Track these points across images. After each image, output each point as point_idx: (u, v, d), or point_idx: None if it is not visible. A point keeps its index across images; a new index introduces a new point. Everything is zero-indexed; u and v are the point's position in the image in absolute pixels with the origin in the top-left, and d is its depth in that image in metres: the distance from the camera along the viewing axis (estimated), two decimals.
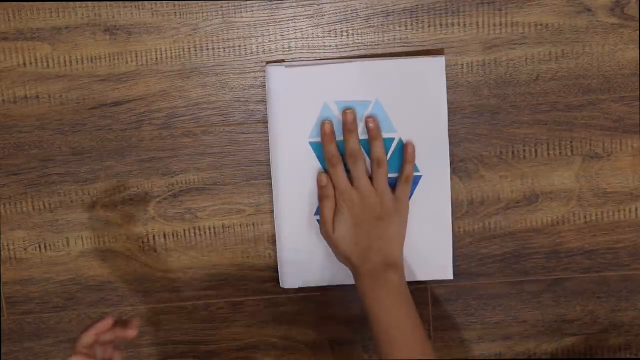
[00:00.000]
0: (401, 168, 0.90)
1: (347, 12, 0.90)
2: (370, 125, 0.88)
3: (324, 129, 0.89)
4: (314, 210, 0.92)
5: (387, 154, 0.90)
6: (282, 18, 0.90)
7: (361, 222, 0.87)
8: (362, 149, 0.90)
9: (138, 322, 0.80)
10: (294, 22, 0.90)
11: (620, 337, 0.97)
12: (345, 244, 0.88)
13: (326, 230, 0.89)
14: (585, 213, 0.94)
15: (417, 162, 0.91)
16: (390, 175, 0.90)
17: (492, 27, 0.90)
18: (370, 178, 0.88)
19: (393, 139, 0.90)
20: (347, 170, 0.89)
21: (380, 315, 0.84)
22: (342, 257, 0.89)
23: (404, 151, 0.90)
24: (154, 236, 0.95)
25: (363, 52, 0.91)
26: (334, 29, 0.90)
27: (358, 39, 0.90)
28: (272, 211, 0.93)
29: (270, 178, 0.92)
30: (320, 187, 0.89)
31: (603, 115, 0.91)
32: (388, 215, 0.88)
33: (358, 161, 0.88)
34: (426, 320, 0.96)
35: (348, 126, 0.88)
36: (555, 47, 0.90)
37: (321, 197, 0.89)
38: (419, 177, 0.91)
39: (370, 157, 0.89)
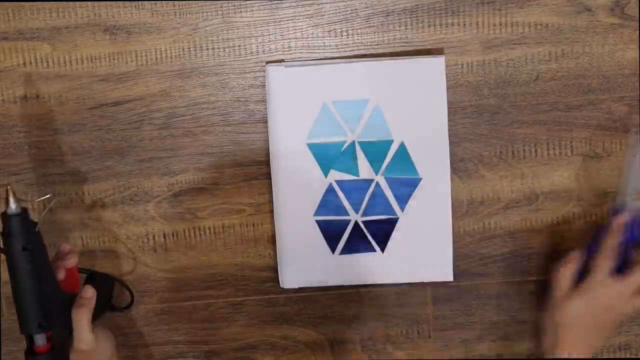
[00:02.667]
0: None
1: (347, 12, 0.90)
2: None
3: (620, 223, 0.88)
4: (314, 210, 0.92)
5: (385, 156, 0.90)
6: (282, 18, 0.90)
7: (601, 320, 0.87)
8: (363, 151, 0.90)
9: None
10: (294, 22, 0.90)
11: (620, 337, 0.97)
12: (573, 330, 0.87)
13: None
14: (585, 213, 0.94)
15: (417, 162, 0.91)
16: (394, 176, 0.91)
17: (492, 27, 0.90)
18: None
19: (392, 141, 0.90)
20: None
21: None
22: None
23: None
24: (154, 236, 0.95)
25: (363, 52, 0.91)
26: (334, 29, 0.90)
27: (358, 39, 0.90)
28: (272, 211, 0.93)
29: (270, 178, 0.92)
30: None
31: (603, 115, 0.91)
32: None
33: None
34: (426, 320, 0.96)
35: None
36: (555, 47, 0.90)
37: None
38: (419, 179, 0.91)
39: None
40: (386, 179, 0.91)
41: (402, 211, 0.92)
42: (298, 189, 0.92)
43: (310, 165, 0.91)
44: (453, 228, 0.93)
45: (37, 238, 0.79)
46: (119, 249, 0.95)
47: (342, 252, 0.93)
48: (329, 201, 0.92)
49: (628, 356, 0.97)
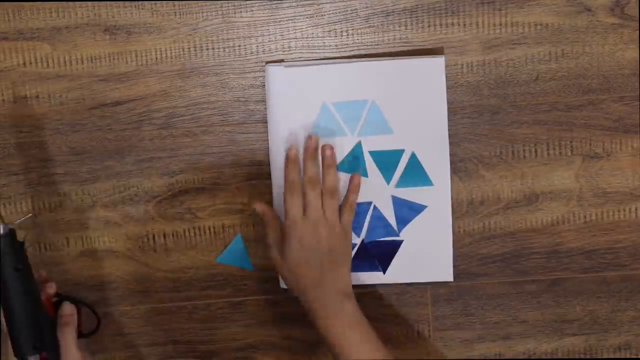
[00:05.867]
0: (345, 196, 0.89)
1: (347, 12, 0.90)
2: (327, 152, 0.88)
3: (289, 154, 0.87)
4: None
5: (396, 166, 0.91)
6: (282, 18, 0.90)
7: (312, 253, 0.86)
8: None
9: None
10: (294, 22, 0.90)
11: (620, 337, 0.97)
12: (295, 275, 0.86)
13: (275, 257, 0.88)
14: (585, 213, 0.94)
15: (429, 169, 0.91)
16: (402, 188, 0.91)
17: (492, 27, 0.90)
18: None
19: (403, 150, 0.90)
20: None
21: (343, 349, 0.83)
22: (294, 289, 0.87)
23: (350, 181, 0.90)
24: (154, 236, 0.95)
25: (363, 52, 0.91)
26: (334, 29, 0.90)
27: (358, 39, 0.90)
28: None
29: (270, 178, 0.92)
30: (289, 181, 0.87)
31: (603, 115, 0.91)
32: (339, 246, 0.87)
33: (315, 189, 0.86)
34: (426, 320, 0.96)
35: (309, 152, 0.88)
36: (555, 47, 0.90)
37: (288, 190, 0.87)
38: (424, 206, 0.92)
39: (322, 185, 0.88)
40: (393, 198, 0.92)
41: (403, 232, 0.93)
42: None
43: None
44: (453, 228, 0.93)
45: (26, 258, 0.78)
46: (119, 249, 0.95)
47: None
48: None
49: (628, 356, 0.97)
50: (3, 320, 0.80)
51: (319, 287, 0.85)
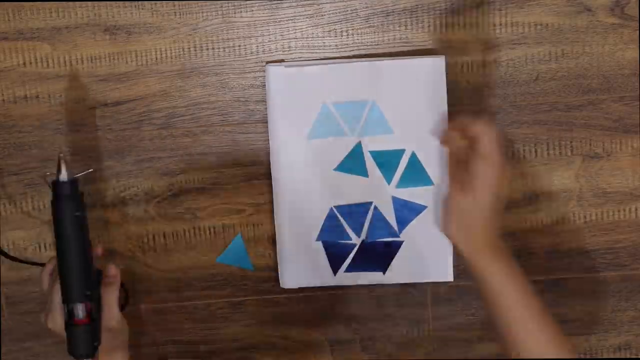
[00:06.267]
0: None
1: (347, 12, 0.90)
2: None
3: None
4: (314, 210, 0.92)
5: (397, 166, 0.91)
6: (282, 18, 0.90)
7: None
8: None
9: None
10: (294, 22, 0.90)
11: (620, 337, 0.97)
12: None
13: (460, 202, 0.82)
14: (585, 213, 0.94)
15: (430, 170, 0.91)
16: (403, 189, 0.92)
17: (492, 27, 0.90)
18: None
19: (403, 150, 0.90)
20: None
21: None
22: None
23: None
24: (154, 236, 0.95)
25: (363, 52, 0.91)
26: (334, 29, 0.90)
27: (358, 39, 0.90)
28: (272, 211, 0.93)
29: (270, 178, 0.92)
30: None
31: (603, 115, 0.92)
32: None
33: None
34: (426, 320, 0.96)
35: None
36: (555, 47, 0.90)
37: None
38: (424, 206, 0.92)
39: None
40: (393, 199, 0.92)
41: (403, 232, 0.93)
42: (298, 189, 0.92)
43: (312, 163, 0.91)
44: None
45: (85, 208, 0.80)
46: (119, 249, 0.95)
47: (346, 270, 0.94)
48: (331, 225, 0.93)
49: (628, 356, 0.97)
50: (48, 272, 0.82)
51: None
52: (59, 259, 0.79)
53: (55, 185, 0.78)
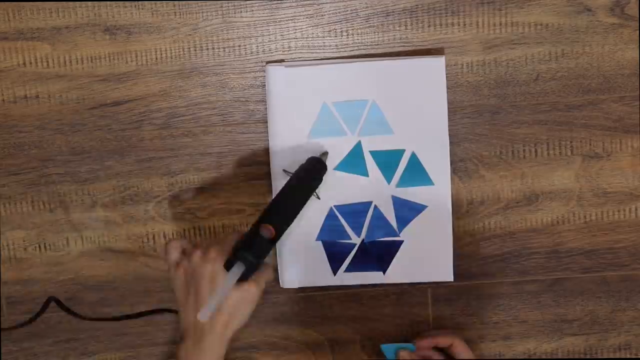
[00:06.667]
0: None
1: (347, 12, 0.90)
2: None
3: None
4: (314, 210, 0.92)
5: (397, 166, 0.91)
6: (282, 18, 0.90)
7: None
8: None
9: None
10: (294, 22, 0.90)
11: (620, 337, 0.97)
12: None
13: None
14: (585, 213, 0.94)
15: (430, 169, 0.91)
16: (403, 188, 0.92)
17: (492, 27, 0.90)
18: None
19: (403, 150, 0.90)
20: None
21: None
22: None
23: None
24: (154, 236, 0.95)
25: (363, 52, 0.91)
26: (334, 29, 0.90)
27: (358, 39, 0.90)
28: None
29: (270, 178, 0.92)
30: None
31: (603, 115, 0.91)
32: None
33: None
34: (426, 320, 0.96)
35: None
36: (555, 47, 0.90)
37: None
38: (425, 206, 0.92)
39: None
40: (393, 198, 0.92)
41: (403, 232, 0.93)
42: None
43: None
44: (453, 228, 0.93)
45: (318, 185, 0.89)
46: (119, 249, 0.95)
47: (346, 270, 0.94)
48: (331, 225, 0.93)
49: (628, 356, 0.97)
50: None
51: None
52: (287, 192, 0.85)
53: (315, 160, 0.88)
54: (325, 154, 0.90)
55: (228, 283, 0.77)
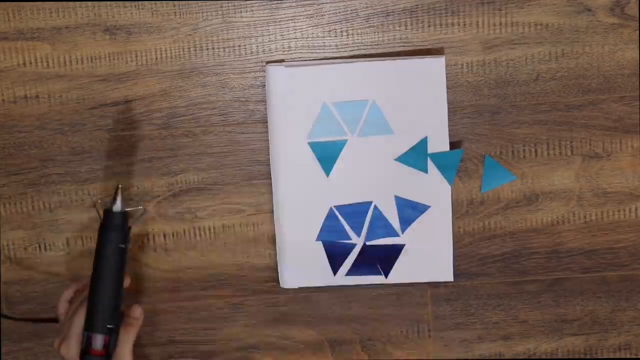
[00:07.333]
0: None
1: (347, 12, 0.90)
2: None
3: None
4: (314, 210, 0.92)
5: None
6: (282, 18, 0.90)
7: None
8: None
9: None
10: (294, 22, 0.90)
11: (620, 337, 0.97)
12: None
13: None
14: (585, 213, 0.94)
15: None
16: (405, 188, 0.91)
17: (492, 27, 0.90)
18: None
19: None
20: None
21: None
22: None
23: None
24: (154, 236, 0.95)
25: (363, 52, 0.91)
26: (334, 29, 0.90)
27: (358, 39, 0.90)
28: (272, 211, 0.93)
29: (270, 178, 0.92)
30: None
31: (603, 115, 0.92)
32: None
33: None
34: (426, 320, 0.96)
35: None
36: (555, 47, 0.90)
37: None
38: (427, 206, 0.92)
39: None
40: (395, 198, 0.92)
41: (405, 233, 0.93)
42: (298, 189, 0.92)
43: (312, 163, 0.91)
44: (453, 228, 0.93)
45: (129, 241, 0.81)
46: None
47: (348, 273, 0.94)
48: (331, 225, 0.93)
49: (628, 356, 0.97)
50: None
51: None
52: (93, 286, 0.80)
53: (107, 214, 0.79)
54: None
55: None
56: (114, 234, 0.80)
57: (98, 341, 0.79)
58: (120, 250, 0.80)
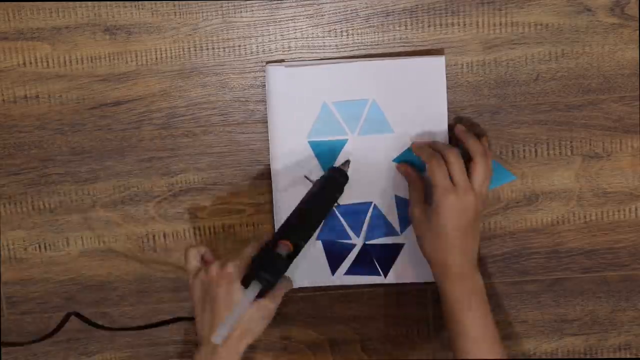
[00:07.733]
0: (468, 155, 0.86)
1: (347, 12, 0.90)
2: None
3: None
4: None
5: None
6: (282, 18, 0.90)
7: (460, 221, 0.84)
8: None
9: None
10: (294, 22, 0.90)
11: (620, 337, 0.97)
12: (438, 240, 0.85)
13: (417, 217, 0.87)
14: (585, 213, 0.94)
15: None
16: (405, 188, 0.91)
17: (492, 27, 0.90)
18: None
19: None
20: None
21: (467, 321, 0.84)
22: (431, 252, 0.86)
23: (457, 133, 0.89)
24: (154, 236, 0.95)
25: (363, 52, 0.91)
26: (334, 29, 0.90)
27: (358, 39, 0.90)
28: (272, 211, 0.93)
29: (270, 178, 0.92)
30: (430, 153, 0.86)
31: (603, 115, 0.92)
32: (480, 213, 0.87)
33: (459, 159, 0.85)
34: (426, 320, 0.96)
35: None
36: (555, 47, 0.90)
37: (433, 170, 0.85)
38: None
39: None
40: (396, 197, 0.92)
41: (404, 232, 0.93)
42: (298, 189, 0.92)
43: (312, 163, 0.91)
44: None
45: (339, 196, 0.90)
46: (119, 249, 0.95)
47: (346, 272, 0.94)
48: (330, 225, 0.93)
49: (628, 356, 0.97)
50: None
51: (461, 254, 0.84)
52: (307, 205, 0.86)
53: (337, 170, 0.89)
54: (347, 162, 0.90)
55: (244, 303, 0.78)
56: (339, 183, 0.88)
57: (284, 249, 0.81)
58: (334, 198, 0.89)
